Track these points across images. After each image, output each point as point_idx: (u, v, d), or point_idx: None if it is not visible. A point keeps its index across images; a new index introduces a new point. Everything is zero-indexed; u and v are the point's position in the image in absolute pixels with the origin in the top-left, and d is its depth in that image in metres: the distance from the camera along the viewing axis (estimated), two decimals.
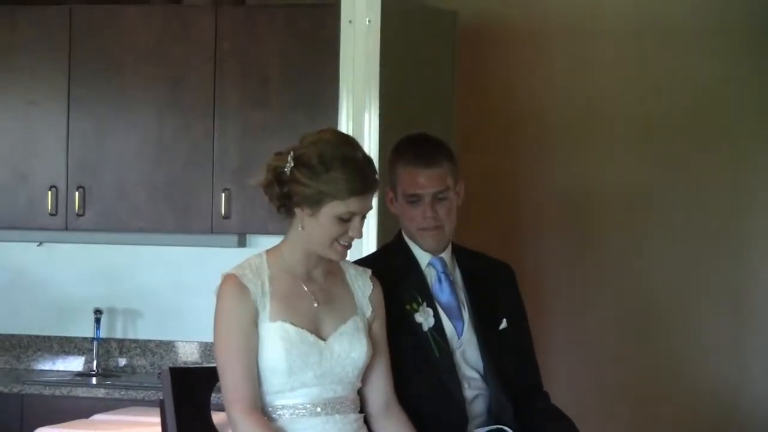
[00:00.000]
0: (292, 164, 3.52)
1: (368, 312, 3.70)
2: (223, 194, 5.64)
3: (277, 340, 3.52)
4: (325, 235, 3.55)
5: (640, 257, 6.36)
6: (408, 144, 3.98)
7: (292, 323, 3.54)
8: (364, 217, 3.57)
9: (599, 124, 6.38)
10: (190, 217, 5.74)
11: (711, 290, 6.30)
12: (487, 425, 3.88)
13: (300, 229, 3.56)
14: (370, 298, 3.71)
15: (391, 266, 3.92)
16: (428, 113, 5.70)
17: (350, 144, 3.64)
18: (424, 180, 3.85)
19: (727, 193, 6.31)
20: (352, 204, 3.53)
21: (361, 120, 5.09)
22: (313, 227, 3.54)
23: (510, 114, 6.47)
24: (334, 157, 3.55)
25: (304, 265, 3.63)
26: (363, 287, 3.72)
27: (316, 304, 3.61)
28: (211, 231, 5.73)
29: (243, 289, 3.53)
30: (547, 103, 6.44)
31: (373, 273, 3.80)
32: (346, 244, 3.60)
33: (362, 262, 3.90)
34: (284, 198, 3.54)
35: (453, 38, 5.97)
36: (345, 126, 5.10)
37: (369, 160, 3.60)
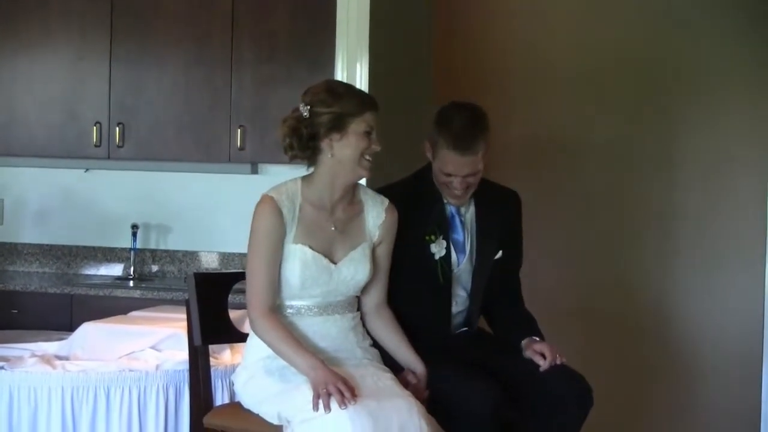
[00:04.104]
0: (308, 107, 3.73)
1: (375, 237, 3.88)
2: (239, 130, 5.81)
3: (296, 260, 3.75)
4: (355, 150, 3.72)
5: (581, 181, 6.62)
6: (453, 120, 4.02)
7: (310, 247, 3.75)
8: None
9: (551, 74, 6.63)
10: (211, 148, 5.90)
11: (643, 207, 6.59)
12: (458, 329, 4.29)
13: (330, 156, 3.75)
14: (381, 226, 3.89)
15: (419, 195, 4.12)
16: (409, 65, 6.05)
17: (339, 81, 3.96)
18: (460, 165, 4.00)
19: (656, 130, 6.58)
20: (368, 118, 3.73)
21: (354, 70, 5.34)
22: (343, 148, 3.72)
23: (478, 64, 6.66)
24: (338, 85, 3.84)
25: (330, 195, 3.80)
26: (376, 217, 3.89)
27: (333, 228, 3.81)
28: (229, 160, 5.88)
29: (278, 212, 3.72)
30: (509, 55, 6.67)
31: (400, 193, 4.01)
32: (371, 158, 3.77)
33: (396, 185, 4.15)
34: (310, 139, 3.73)
35: (428, 2, 6.28)
36: (340, 76, 5.36)
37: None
